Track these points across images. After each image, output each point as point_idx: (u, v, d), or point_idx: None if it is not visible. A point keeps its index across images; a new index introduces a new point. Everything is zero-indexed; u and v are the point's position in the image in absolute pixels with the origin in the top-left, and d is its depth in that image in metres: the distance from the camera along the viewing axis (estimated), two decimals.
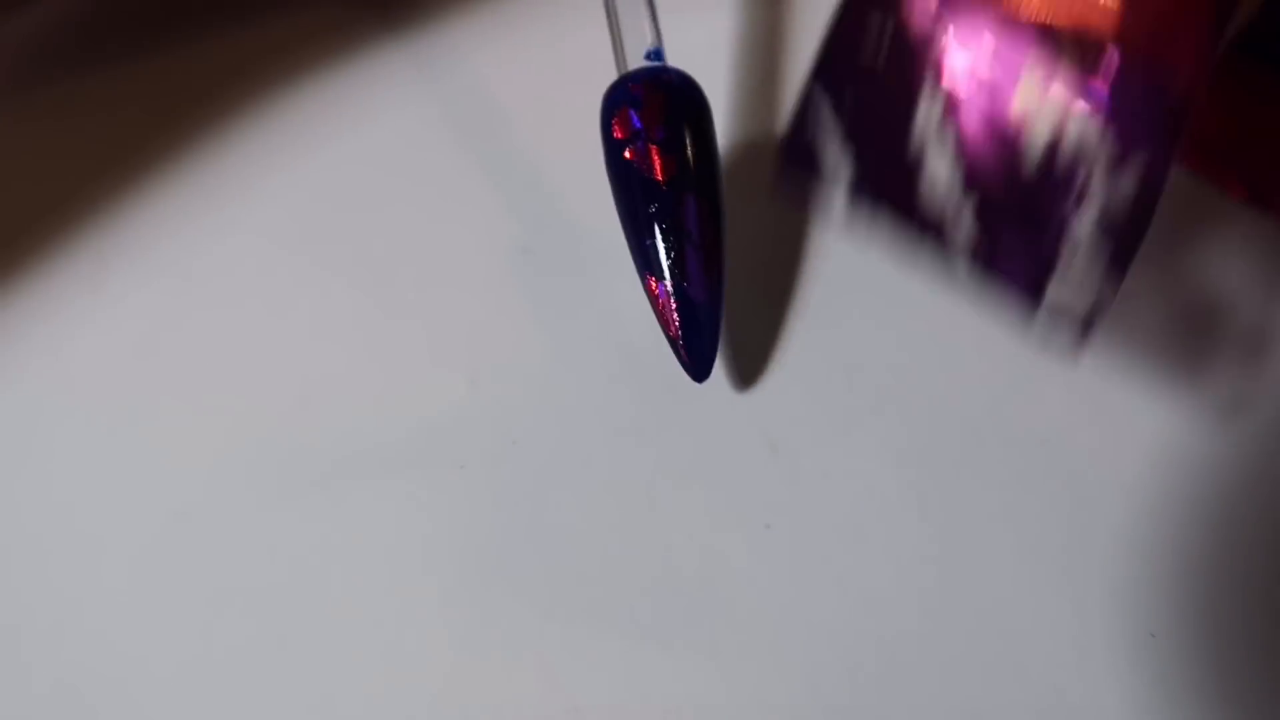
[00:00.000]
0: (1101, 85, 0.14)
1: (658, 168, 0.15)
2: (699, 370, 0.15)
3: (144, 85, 0.19)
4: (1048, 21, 0.14)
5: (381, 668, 0.14)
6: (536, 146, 0.19)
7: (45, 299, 0.17)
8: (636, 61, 0.16)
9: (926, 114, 0.14)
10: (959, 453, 0.16)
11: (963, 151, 0.14)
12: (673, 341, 0.15)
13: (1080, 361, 0.17)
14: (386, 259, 0.18)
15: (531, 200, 0.18)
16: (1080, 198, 0.14)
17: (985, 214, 0.14)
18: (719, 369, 0.16)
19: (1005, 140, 0.14)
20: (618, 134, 0.16)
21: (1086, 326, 0.13)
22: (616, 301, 0.17)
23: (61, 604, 0.15)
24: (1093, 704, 0.14)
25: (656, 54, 0.16)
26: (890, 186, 0.14)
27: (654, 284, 0.15)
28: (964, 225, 0.14)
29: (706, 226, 0.15)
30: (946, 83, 0.14)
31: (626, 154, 0.15)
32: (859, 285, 0.18)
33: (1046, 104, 0.14)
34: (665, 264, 0.15)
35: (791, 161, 0.15)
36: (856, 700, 0.14)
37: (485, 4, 0.21)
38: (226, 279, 0.18)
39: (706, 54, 0.18)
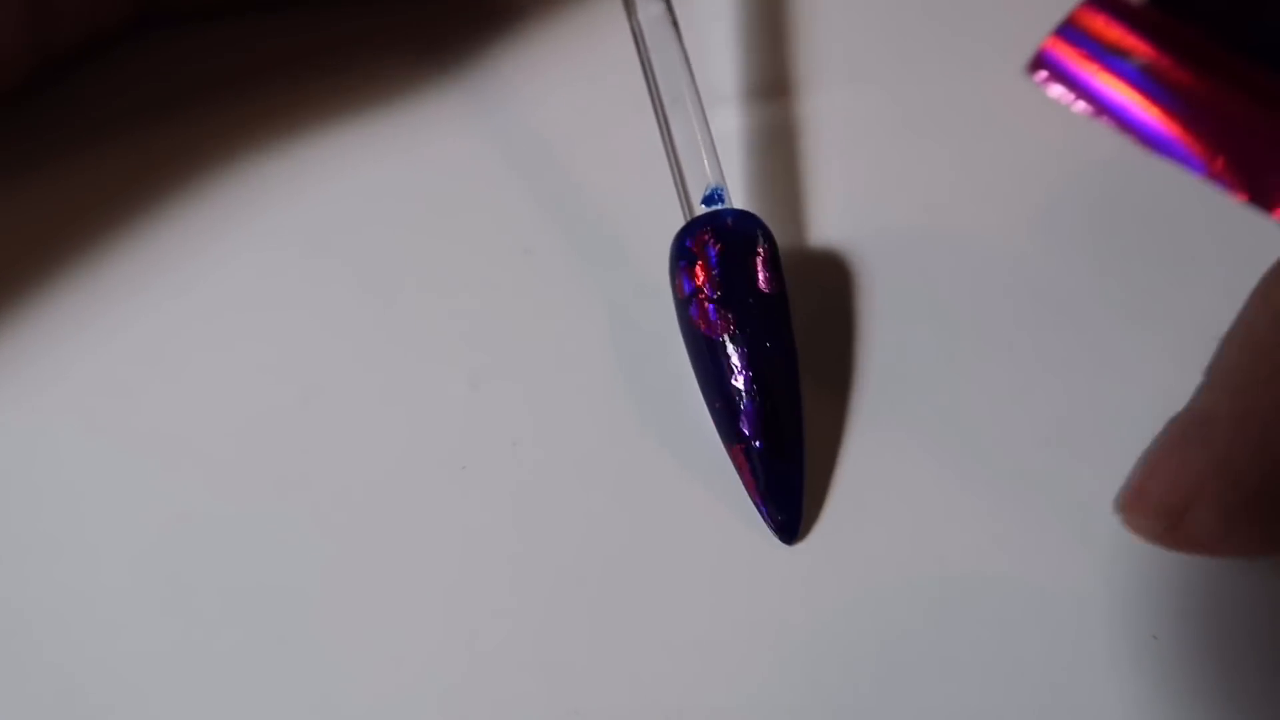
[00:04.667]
0: None
1: (718, 326, 0.15)
2: (787, 533, 0.15)
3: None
4: None
5: (382, 668, 0.14)
6: (537, 147, 0.19)
7: (49, 305, 0.17)
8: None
9: None
10: (959, 453, 0.16)
11: None
12: (758, 504, 0.15)
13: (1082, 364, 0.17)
14: (387, 260, 0.18)
15: (533, 201, 0.18)
16: None
17: None
18: None
19: None
20: (678, 293, 0.15)
21: None
22: (618, 302, 0.17)
23: (62, 606, 0.15)
24: (1095, 706, 0.14)
25: (716, 194, 0.16)
26: None
27: (733, 449, 0.15)
28: None
29: (776, 380, 0.15)
30: None
31: (691, 313, 0.15)
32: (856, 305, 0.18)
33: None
34: (741, 426, 0.15)
35: None
36: (856, 701, 0.14)
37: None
38: (227, 280, 0.18)
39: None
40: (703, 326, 0.15)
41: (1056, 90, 0.20)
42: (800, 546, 0.15)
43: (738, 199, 0.17)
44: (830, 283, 0.18)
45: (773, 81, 0.20)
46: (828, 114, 0.20)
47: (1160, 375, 0.17)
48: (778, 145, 0.19)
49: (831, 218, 0.18)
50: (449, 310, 0.17)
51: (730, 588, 0.15)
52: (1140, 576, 0.15)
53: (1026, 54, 0.20)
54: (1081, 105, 0.20)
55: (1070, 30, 0.20)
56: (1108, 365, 0.17)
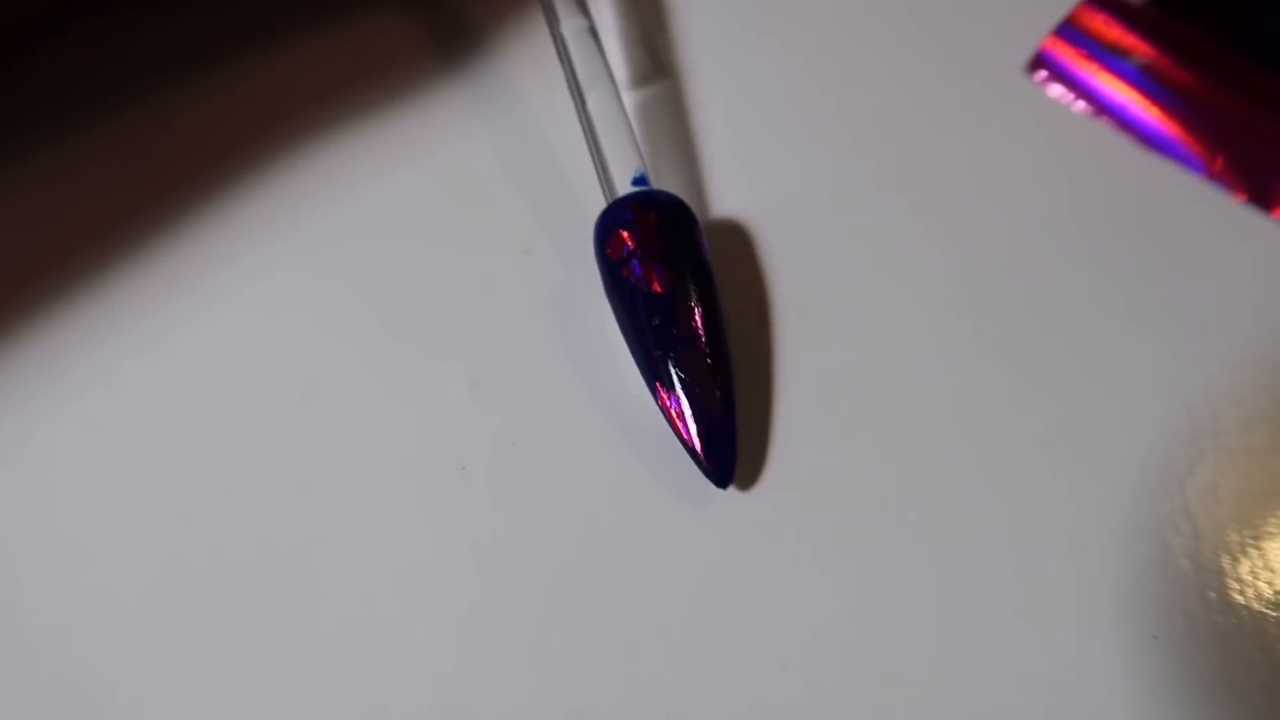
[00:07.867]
0: None
1: (656, 281, 0.16)
2: (721, 477, 0.15)
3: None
4: None
5: (382, 668, 0.14)
6: (538, 148, 0.19)
7: (50, 308, 0.17)
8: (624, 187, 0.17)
9: None
10: (959, 453, 0.16)
11: None
12: (692, 452, 0.15)
13: (1081, 362, 0.17)
14: (387, 260, 0.18)
15: (533, 202, 0.18)
16: None
17: None
18: None
19: None
20: (614, 255, 0.16)
21: None
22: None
23: (62, 605, 0.15)
24: (1095, 706, 0.14)
25: (642, 179, 0.17)
26: None
27: (667, 397, 0.15)
28: None
29: (711, 333, 0.16)
30: None
31: (624, 273, 0.16)
32: (846, 298, 0.18)
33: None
34: (676, 375, 0.15)
35: None
36: (857, 701, 0.14)
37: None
38: (226, 279, 0.18)
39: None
40: (643, 283, 0.16)
41: (1056, 90, 0.20)
42: (789, 550, 0.15)
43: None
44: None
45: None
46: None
47: (1161, 373, 0.17)
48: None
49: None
50: (449, 310, 0.17)
51: (733, 589, 0.15)
52: (1140, 576, 0.15)
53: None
54: (1081, 105, 0.20)
55: (1070, 30, 0.20)
56: (1104, 364, 0.17)
